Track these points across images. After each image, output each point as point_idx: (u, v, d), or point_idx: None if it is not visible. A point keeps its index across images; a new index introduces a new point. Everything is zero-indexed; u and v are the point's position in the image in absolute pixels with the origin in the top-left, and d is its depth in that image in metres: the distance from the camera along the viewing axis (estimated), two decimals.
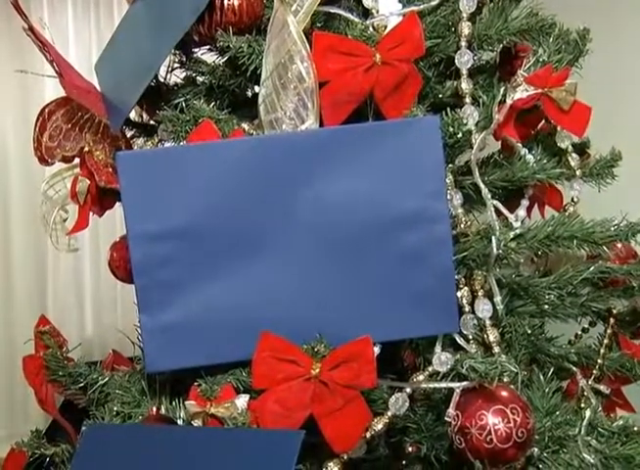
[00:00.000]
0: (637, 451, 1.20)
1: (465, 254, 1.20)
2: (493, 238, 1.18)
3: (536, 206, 1.48)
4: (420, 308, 1.18)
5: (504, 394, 1.13)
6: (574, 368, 1.39)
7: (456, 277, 1.20)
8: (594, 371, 1.39)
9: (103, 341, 3.65)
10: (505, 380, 1.14)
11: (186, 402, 1.18)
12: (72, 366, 1.34)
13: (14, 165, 3.87)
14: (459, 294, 1.22)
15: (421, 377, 1.19)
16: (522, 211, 1.35)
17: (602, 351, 1.40)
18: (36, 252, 4.02)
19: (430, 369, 1.19)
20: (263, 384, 1.12)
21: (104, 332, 3.79)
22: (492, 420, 1.11)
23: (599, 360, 1.40)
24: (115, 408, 1.24)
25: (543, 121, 1.42)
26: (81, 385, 1.32)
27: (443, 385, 1.17)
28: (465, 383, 1.14)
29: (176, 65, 1.43)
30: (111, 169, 1.33)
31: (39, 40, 1.28)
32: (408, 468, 1.26)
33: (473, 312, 1.22)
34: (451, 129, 1.20)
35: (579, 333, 1.45)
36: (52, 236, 1.47)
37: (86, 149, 1.35)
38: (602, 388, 1.39)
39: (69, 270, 4.05)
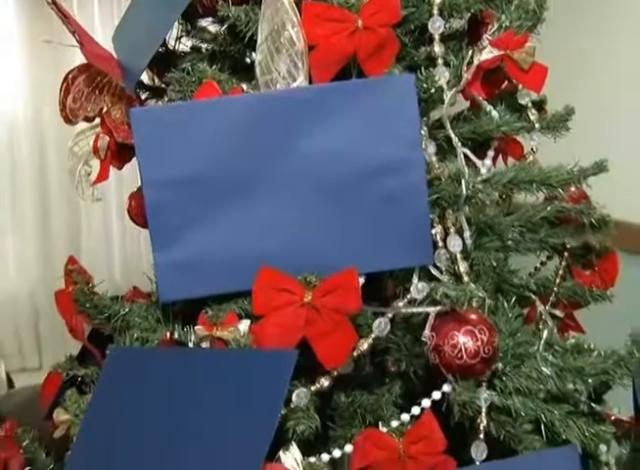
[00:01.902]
0: (586, 363, 1.18)
1: (438, 195, 1.17)
2: (463, 180, 1.15)
3: (500, 157, 1.45)
4: (399, 244, 1.15)
5: (473, 316, 1.11)
6: (534, 296, 1.37)
7: (430, 217, 1.18)
8: (551, 298, 1.37)
9: (129, 282, 3.65)
10: (474, 305, 1.12)
11: (195, 328, 1.15)
12: (98, 299, 1.32)
13: (49, 128, 3.85)
14: (433, 231, 1.19)
15: (400, 303, 1.17)
16: (488, 161, 1.32)
17: (557, 280, 1.38)
18: (70, 206, 4.01)
19: (408, 297, 1.16)
20: (262, 310, 1.10)
21: (130, 274, 3.81)
22: (462, 339, 1.09)
23: (555, 289, 1.38)
24: (135, 334, 1.22)
25: (506, 82, 1.38)
26: (106, 315, 1.30)
27: (420, 309, 1.15)
28: (439, 307, 1.12)
29: (183, 34, 1.40)
30: (127, 127, 1.30)
31: (62, 12, 1.25)
32: (390, 383, 1.24)
33: (445, 247, 1.19)
34: (425, 86, 1.17)
35: (538, 266, 1.43)
36: (78, 188, 1.43)
37: (105, 109, 1.32)
38: (557, 312, 1.38)
39: (100, 221, 4.05)
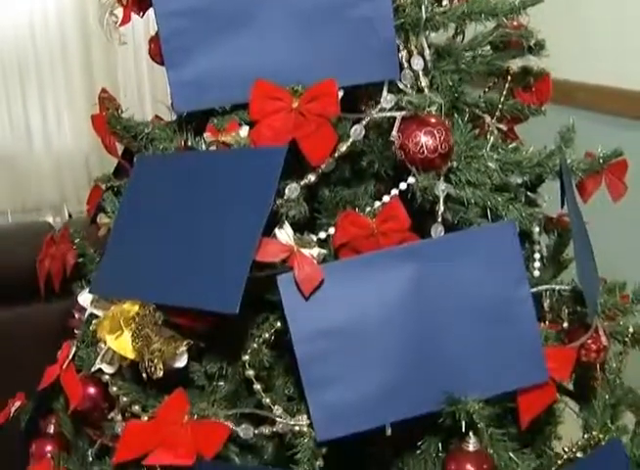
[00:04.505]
0: (524, 158, 1.15)
1: (402, 20, 1.09)
2: (422, 6, 1.08)
3: None
4: (370, 61, 1.09)
5: (432, 120, 1.06)
6: (484, 115, 1.31)
7: (397, 41, 1.11)
8: (497, 114, 1.31)
9: None
10: (433, 110, 1.07)
11: (204, 135, 1.10)
12: (126, 121, 1.27)
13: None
14: (400, 54, 1.11)
15: (373, 112, 1.10)
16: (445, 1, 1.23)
17: (502, 99, 1.32)
18: (108, 59, 3.92)
19: (379, 106, 1.10)
20: (258, 116, 1.04)
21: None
22: (424, 138, 1.04)
23: (500, 106, 1.31)
24: (156, 145, 1.17)
25: None
26: (132, 134, 1.25)
27: (389, 114, 1.08)
28: (404, 112, 1.06)
29: None
30: None
31: None
32: (366, 182, 1.19)
33: (410, 68, 1.12)
34: None
35: (486, 89, 1.36)
36: (106, 34, 1.35)
37: None
38: (501, 126, 1.32)
39: (132, 66, 3.97)
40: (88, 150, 4.03)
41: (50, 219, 4.17)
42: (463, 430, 1.01)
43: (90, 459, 1.26)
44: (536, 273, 1.22)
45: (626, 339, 1.27)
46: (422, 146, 1.04)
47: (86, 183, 4.16)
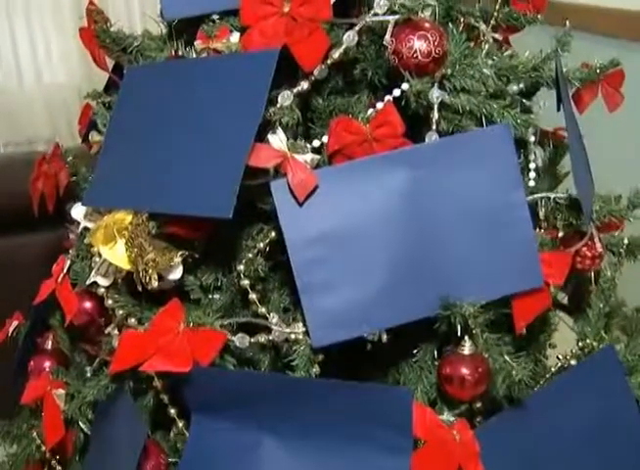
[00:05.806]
0: (520, 62, 1.12)
1: None
2: None
3: None
4: None
5: (426, 24, 1.03)
6: (479, 24, 1.28)
7: None
8: (492, 22, 1.29)
9: None
10: (427, 14, 1.05)
11: (195, 43, 1.08)
12: (115, 34, 1.24)
13: None
14: None
15: (366, 17, 1.08)
16: None
17: (497, 7, 1.29)
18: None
19: (372, 12, 1.07)
20: (249, 21, 1.02)
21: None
22: (417, 43, 1.02)
23: (495, 14, 1.29)
24: (146, 54, 1.15)
25: None
26: (122, 47, 1.22)
27: (381, 18, 1.06)
28: (397, 16, 1.04)
29: None
30: None
31: None
32: (359, 93, 1.17)
33: None
34: None
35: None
36: None
37: None
38: (497, 36, 1.30)
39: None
40: (79, 83, 3.97)
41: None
42: (458, 334, 1.01)
43: (88, 375, 1.26)
44: (531, 183, 1.21)
45: (621, 250, 1.28)
46: (415, 50, 1.02)
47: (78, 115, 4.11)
